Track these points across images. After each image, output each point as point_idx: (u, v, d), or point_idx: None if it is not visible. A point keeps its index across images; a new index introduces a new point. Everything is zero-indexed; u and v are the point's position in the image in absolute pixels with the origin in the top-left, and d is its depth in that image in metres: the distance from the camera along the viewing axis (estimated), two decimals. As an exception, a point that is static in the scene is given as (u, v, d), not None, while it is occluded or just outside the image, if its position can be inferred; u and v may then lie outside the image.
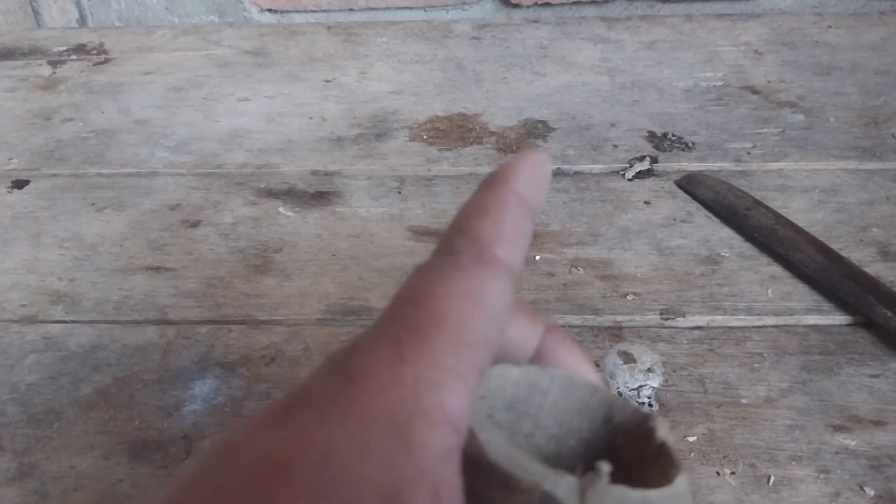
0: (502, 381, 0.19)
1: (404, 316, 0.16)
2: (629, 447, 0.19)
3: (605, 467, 0.16)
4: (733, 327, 0.39)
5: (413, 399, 0.15)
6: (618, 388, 0.36)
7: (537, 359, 0.21)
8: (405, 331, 0.16)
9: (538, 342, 0.21)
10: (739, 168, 0.51)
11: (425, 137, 0.55)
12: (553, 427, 0.19)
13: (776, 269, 0.43)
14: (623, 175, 0.50)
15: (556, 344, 0.21)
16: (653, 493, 0.16)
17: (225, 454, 0.15)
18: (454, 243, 0.17)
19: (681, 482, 0.17)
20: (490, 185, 0.19)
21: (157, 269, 0.44)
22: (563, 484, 0.15)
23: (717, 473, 0.32)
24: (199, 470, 0.15)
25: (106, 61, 0.67)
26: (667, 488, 0.16)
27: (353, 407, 0.15)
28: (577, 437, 0.19)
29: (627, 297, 0.41)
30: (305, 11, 0.75)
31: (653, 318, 0.40)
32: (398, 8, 0.75)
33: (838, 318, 0.39)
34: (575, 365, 0.21)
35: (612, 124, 0.56)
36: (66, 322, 0.41)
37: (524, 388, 0.19)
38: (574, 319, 0.40)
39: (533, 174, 0.19)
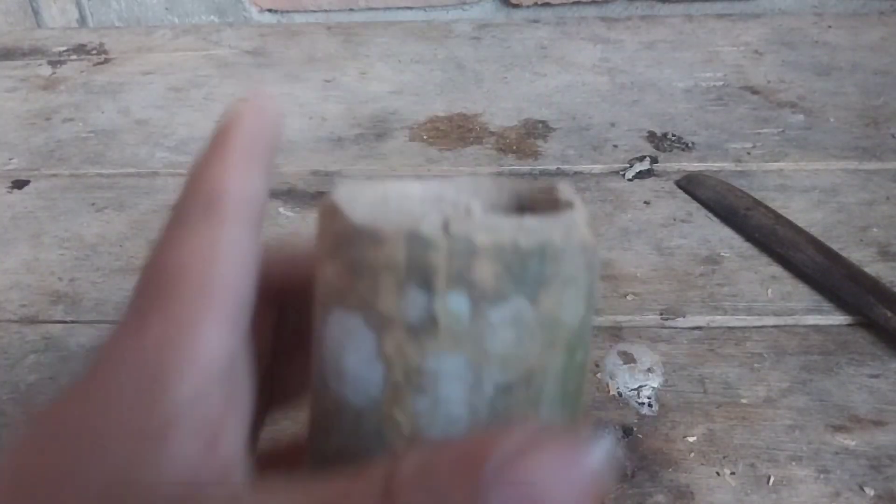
0: (405, 199, 0.18)
1: (145, 282, 0.17)
2: None
3: (476, 203, 0.17)
4: (733, 327, 0.39)
5: (156, 359, 0.15)
6: (618, 388, 0.36)
7: None
8: (145, 297, 0.16)
9: None
10: (739, 168, 0.51)
11: (425, 137, 0.55)
12: None
13: (776, 269, 0.43)
14: (623, 175, 0.50)
15: None
16: (529, 220, 0.15)
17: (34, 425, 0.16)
18: (182, 198, 0.18)
19: (569, 214, 0.16)
20: (213, 137, 0.18)
21: (157, 269, 0.44)
22: (426, 220, 0.15)
23: (717, 473, 0.32)
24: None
25: (106, 61, 0.67)
26: (548, 216, 0.16)
27: (100, 383, 0.16)
28: None
29: (627, 297, 0.41)
30: (305, 11, 0.75)
31: (653, 319, 0.40)
32: (398, 8, 0.75)
33: (838, 318, 0.39)
34: None
35: (612, 124, 0.56)
36: (66, 322, 0.41)
37: (431, 202, 0.18)
38: (574, 319, 0.40)
39: (258, 116, 0.18)
